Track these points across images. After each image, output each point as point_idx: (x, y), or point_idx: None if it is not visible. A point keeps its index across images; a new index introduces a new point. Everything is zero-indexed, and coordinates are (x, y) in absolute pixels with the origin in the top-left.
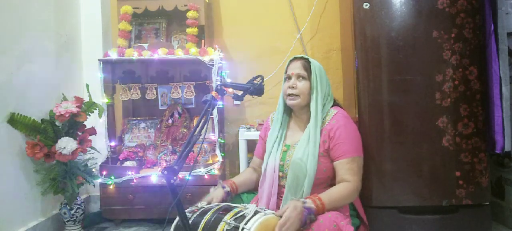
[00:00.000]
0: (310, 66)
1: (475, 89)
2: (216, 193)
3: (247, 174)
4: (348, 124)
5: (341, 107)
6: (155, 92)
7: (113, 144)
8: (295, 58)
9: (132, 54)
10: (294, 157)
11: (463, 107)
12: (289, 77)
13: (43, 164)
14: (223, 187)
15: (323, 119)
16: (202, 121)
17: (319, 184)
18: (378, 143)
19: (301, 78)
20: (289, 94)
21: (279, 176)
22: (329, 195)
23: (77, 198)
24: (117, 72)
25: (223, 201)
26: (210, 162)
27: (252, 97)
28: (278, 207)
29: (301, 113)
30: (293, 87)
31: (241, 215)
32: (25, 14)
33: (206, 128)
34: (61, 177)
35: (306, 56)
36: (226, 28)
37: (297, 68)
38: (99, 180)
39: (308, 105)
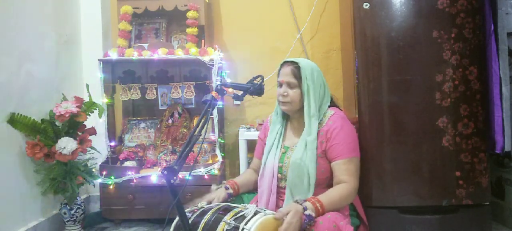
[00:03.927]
0: (300, 72)
1: (475, 89)
2: (218, 193)
3: (247, 175)
4: (344, 125)
5: (338, 108)
6: (155, 92)
7: (113, 144)
8: (285, 63)
9: (132, 54)
10: (293, 160)
11: (463, 107)
12: (280, 84)
13: (43, 164)
14: (226, 188)
15: (320, 120)
16: (202, 121)
17: (318, 185)
18: (378, 143)
19: (291, 86)
20: (281, 101)
21: (278, 177)
22: (329, 197)
23: (77, 198)
24: (117, 72)
25: (224, 201)
26: (210, 162)
27: (252, 97)
28: (277, 207)
29: (298, 116)
30: (284, 95)
31: (241, 215)
32: (25, 14)
33: (206, 128)
34: (61, 177)
35: (296, 60)
36: (226, 28)
37: (287, 75)
38: (99, 180)
39: (302, 109)
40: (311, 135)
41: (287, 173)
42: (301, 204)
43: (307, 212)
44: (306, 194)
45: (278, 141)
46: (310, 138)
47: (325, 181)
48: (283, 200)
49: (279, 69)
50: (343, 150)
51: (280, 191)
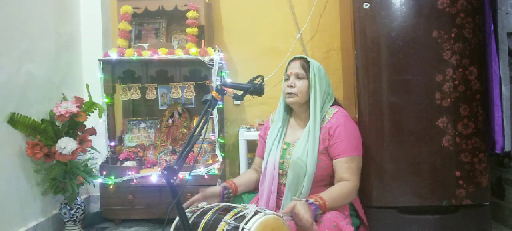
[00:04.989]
0: (309, 65)
1: (475, 89)
2: (213, 188)
3: (247, 175)
4: (347, 123)
5: (341, 107)
6: (155, 92)
7: (113, 144)
8: (294, 58)
9: (132, 54)
10: (294, 155)
11: (463, 107)
12: (288, 77)
13: (43, 164)
14: (220, 184)
15: (323, 117)
16: (202, 121)
17: (318, 181)
18: (378, 143)
19: (299, 77)
20: (288, 93)
21: (279, 174)
22: (330, 194)
23: (77, 198)
24: (117, 72)
25: (220, 195)
26: (210, 162)
27: (252, 97)
28: (277, 206)
29: (301, 112)
30: (291, 86)
31: (241, 215)
32: (25, 14)
33: (206, 128)
34: (61, 177)
35: (305, 56)
36: (226, 28)
37: (296, 67)
38: (99, 180)
39: (307, 103)
40: (315, 128)
41: (288, 170)
42: (302, 199)
43: (311, 201)
44: (305, 191)
45: (280, 138)
46: (312, 134)
47: (326, 178)
48: (282, 199)
49: (287, 65)
50: (345, 148)
51: (280, 189)
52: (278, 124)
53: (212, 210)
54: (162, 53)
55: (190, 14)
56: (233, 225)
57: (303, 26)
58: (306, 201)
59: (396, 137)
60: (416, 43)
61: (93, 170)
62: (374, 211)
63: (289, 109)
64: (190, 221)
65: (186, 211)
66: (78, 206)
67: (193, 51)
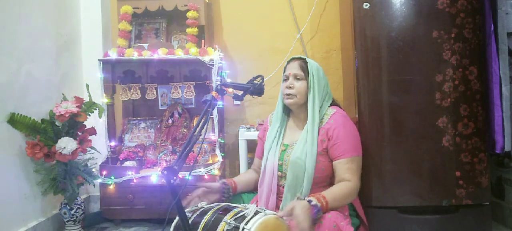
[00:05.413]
0: (308, 66)
1: (475, 89)
2: (212, 183)
3: (247, 174)
4: (346, 123)
5: (339, 107)
6: (155, 92)
7: (113, 144)
8: (293, 59)
9: (132, 54)
10: (292, 157)
11: (463, 107)
12: (287, 78)
13: (43, 164)
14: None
15: (321, 118)
16: (202, 121)
17: (317, 182)
18: (378, 143)
19: (298, 78)
20: (286, 94)
21: (278, 175)
22: (332, 193)
23: (77, 198)
24: (117, 72)
25: (219, 191)
26: (210, 162)
27: (252, 97)
28: (277, 207)
29: (299, 113)
30: (290, 87)
31: (241, 215)
32: (25, 14)
33: (206, 128)
34: (61, 177)
35: (304, 57)
36: (226, 28)
37: (294, 68)
38: (99, 180)
39: (305, 104)
40: (313, 129)
41: (287, 171)
42: (304, 199)
43: (312, 203)
44: (305, 192)
45: (278, 139)
46: (310, 135)
47: (326, 179)
48: (282, 200)
49: (286, 66)
50: (345, 149)
51: (280, 190)
52: (276, 125)
53: (212, 210)
54: (162, 53)
55: (190, 14)
56: (233, 225)
57: (303, 26)
58: (309, 201)
59: (396, 137)
60: (416, 43)
61: (93, 170)
62: (374, 211)
63: (287, 110)
64: (190, 221)
65: (186, 211)
66: (78, 206)
67: (193, 51)
